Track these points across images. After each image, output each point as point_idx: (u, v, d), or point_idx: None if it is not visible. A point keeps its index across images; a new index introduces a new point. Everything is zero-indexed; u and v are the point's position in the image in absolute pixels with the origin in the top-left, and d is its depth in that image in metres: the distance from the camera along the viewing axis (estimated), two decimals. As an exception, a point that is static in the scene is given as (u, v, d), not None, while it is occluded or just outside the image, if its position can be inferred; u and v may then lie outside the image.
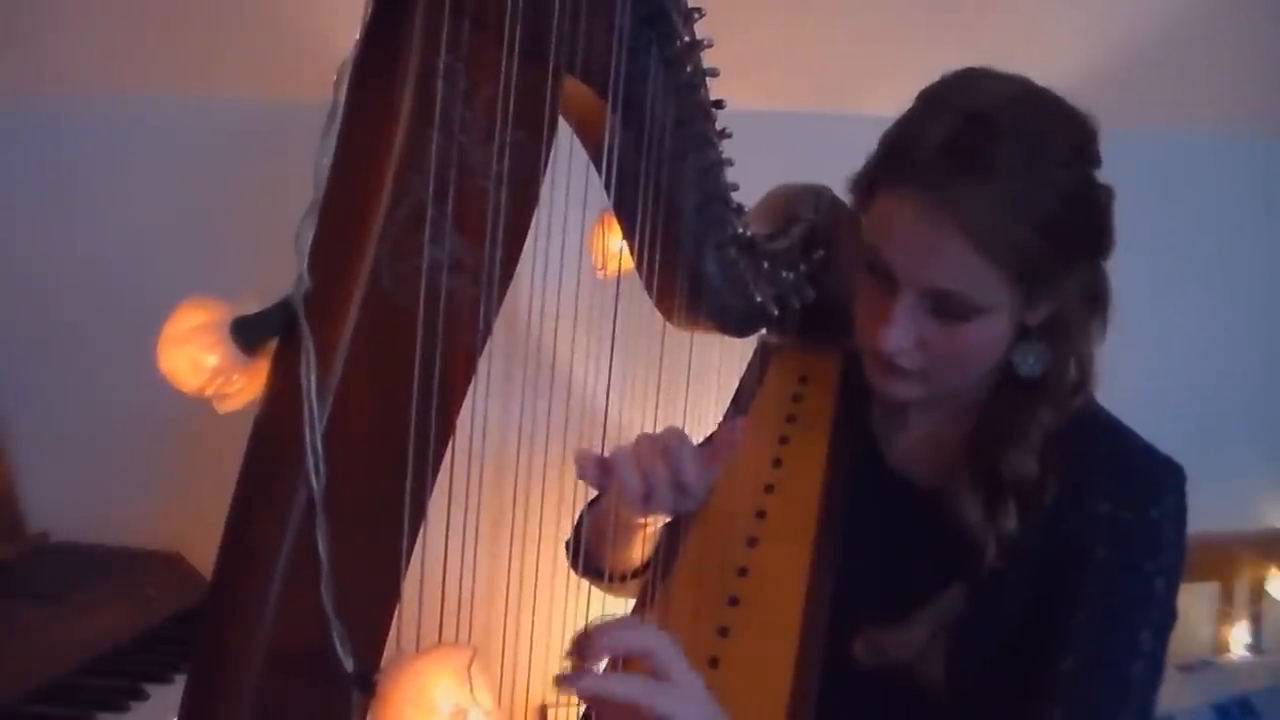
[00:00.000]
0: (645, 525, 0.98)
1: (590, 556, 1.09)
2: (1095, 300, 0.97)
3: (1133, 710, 0.89)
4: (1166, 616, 0.92)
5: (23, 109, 1.85)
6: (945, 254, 0.88)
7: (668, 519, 0.98)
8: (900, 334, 0.91)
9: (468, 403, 0.70)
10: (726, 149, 0.95)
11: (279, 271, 0.67)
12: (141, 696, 1.45)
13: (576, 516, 1.14)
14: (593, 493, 1.08)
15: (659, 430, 0.94)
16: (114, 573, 1.73)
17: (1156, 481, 0.94)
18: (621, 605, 1.08)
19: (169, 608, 1.69)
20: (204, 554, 1.76)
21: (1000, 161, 0.87)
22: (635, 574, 1.08)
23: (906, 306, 0.91)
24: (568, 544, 1.12)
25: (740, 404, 1.17)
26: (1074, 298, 0.95)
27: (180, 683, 1.48)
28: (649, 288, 0.97)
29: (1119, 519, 0.92)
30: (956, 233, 0.86)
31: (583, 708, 0.97)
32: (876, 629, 0.97)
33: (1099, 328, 0.97)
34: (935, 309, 0.91)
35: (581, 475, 0.91)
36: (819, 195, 1.16)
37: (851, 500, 1.05)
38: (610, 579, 1.06)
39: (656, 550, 1.05)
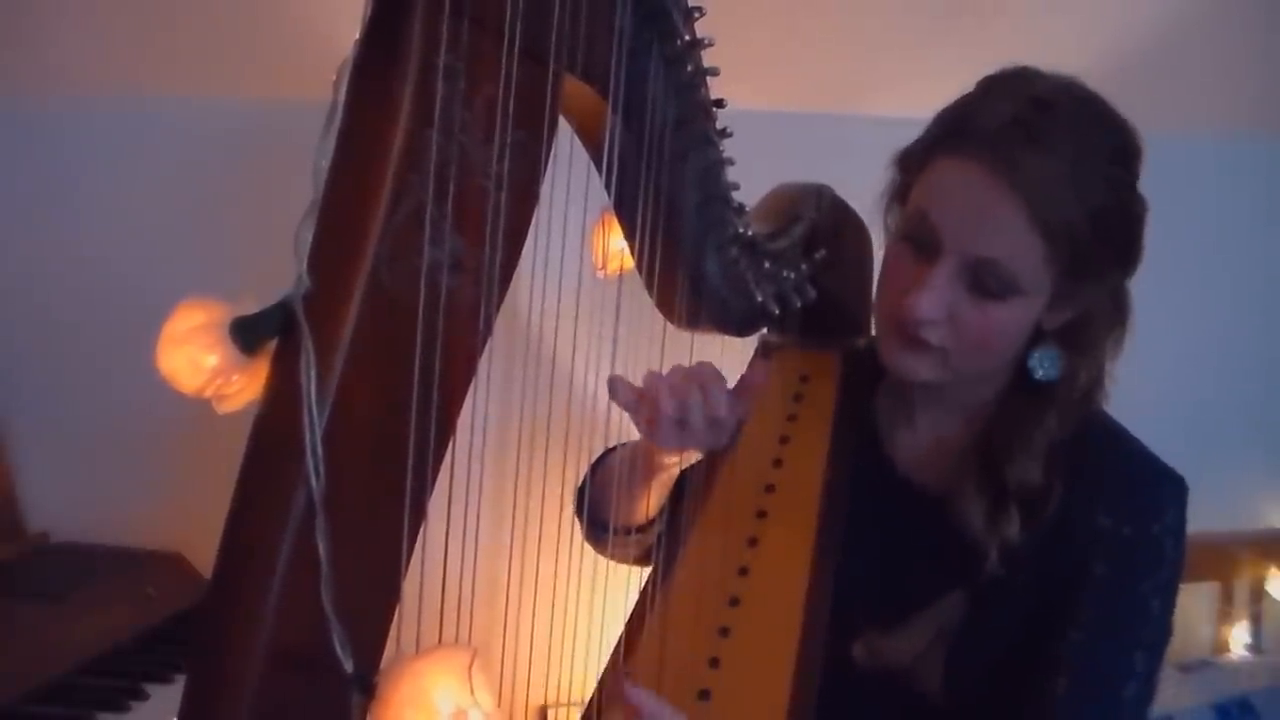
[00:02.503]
0: (669, 466, 1.00)
1: (595, 510, 1.09)
2: (1118, 314, 0.97)
3: None
4: (1161, 635, 0.93)
5: (23, 109, 1.85)
6: (1000, 219, 0.88)
7: (698, 456, 0.99)
8: (934, 301, 0.90)
9: (468, 403, 0.70)
10: (727, 148, 0.95)
11: (279, 272, 0.67)
12: (141, 696, 1.45)
13: (581, 477, 1.15)
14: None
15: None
16: (114, 573, 1.72)
17: (1159, 495, 0.94)
18: (623, 588, 1.08)
19: (169, 608, 1.68)
20: (204, 554, 1.76)
21: (1063, 141, 0.88)
22: (638, 529, 1.08)
23: (946, 274, 0.90)
24: (578, 490, 1.13)
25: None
26: (1097, 307, 0.95)
27: (180, 683, 1.49)
28: (649, 287, 0.97)
29: (1120, 535, 0.92)
30: (1015, 198, 0.87)
31: (582, 709, 0.97)
32: (875, 633, 0.97)
33: (1116, 343, 0.97)
34: (973, 283, 0.90)
35: (614, 397, 0.92)
36: (820, 194, 1.15)
37: (853, 501, 1.04)
38: (614, 531, 1.07)
39: (660, 514, 1.05)
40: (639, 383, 0.94)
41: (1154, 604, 0.92)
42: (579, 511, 1.13)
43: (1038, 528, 0.93)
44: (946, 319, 0.92)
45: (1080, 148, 0.88)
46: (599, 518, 1.10)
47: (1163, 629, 0.93)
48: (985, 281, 0.90)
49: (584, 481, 1.14)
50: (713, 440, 0.95)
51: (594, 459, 1.15)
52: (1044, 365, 0.95)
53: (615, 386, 0.91)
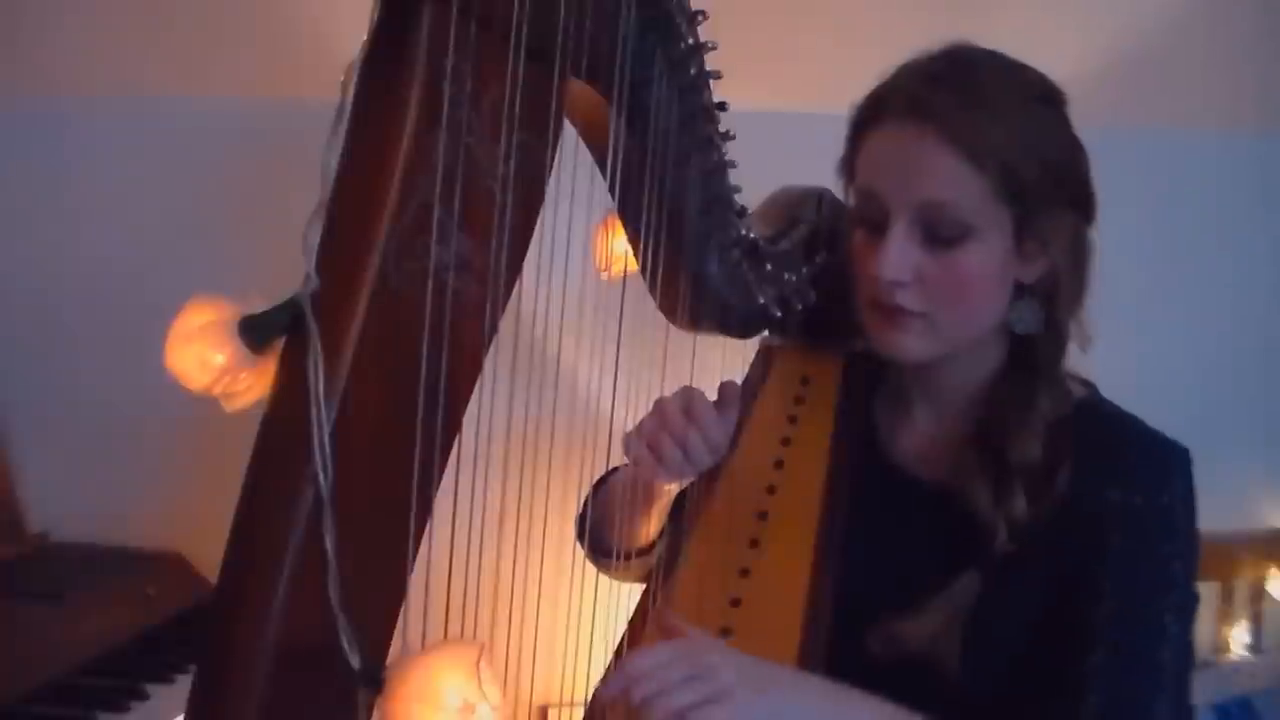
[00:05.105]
0: (668, 493, 1.02)
1: (597, 536, 1.10)
2: (1080, 262, 0.97)
3: (1169, 695, 0.89)
4: (1188, 599, 0.93)
5: (23, 109, 1.85)
6: (927, 159, 0.90)
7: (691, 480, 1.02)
8: (896, 259, 0.92)
9: (473, 402, 0.70)
10: (728, 150, 0.96)
11: (283, 271, 0.68)
12: (141, 696, 1.44)
13: (582, 500, 1.15)
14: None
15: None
16: (114, 573, 1.72)
17: (1164, 465, 0.95)
18: (625, 588, 1.09)
19: (169, 608, 1.68)
20: (204, 554, 1.77)
21: (978, 81, 0.91)
22: (640, 552, 1.09)
23: (900, 232, 0.92)
24: (578, 518, 1.14)
25: (742, 404, 1.18)
26: (1063, 256, 0.95)
27: (181, 683, 1.50)
28: (652, 289, 0.97)
29: (1131, 505, 0.92)
30: (935, 134, 0.89)
31: (584, 709, 0.97)
32: (891, 620, 0.97)
33: (1076, 291, 0.97)
34: (928, 235, 0.92)
35: (632, 457, 0.96)
36: (821, 198, 1.16)
37: (859, 500, 1.05)
38: (616, 556, 1.07)
39: (660, 535, 1.06)
40: (641, 385, 0.95)
41: (1176, 568, 0.92)
42: (580, 537, 1.14)
43: (1046, 509, 0.93)
44: (915, 279, 0.93)
45: (997, 85, 0.91)
46: (601, 543, 1.11)
47: (1189, 593, 0.93)
48: (938, 229, 0.91)
49: (584, 507, 1.15)
50: (709, 464, 0.98)
51: (595, 480, 1.16)
52: (1022, 317, 0.96)
53: (631, 450, 0.96)
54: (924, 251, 0.92)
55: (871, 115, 0.95)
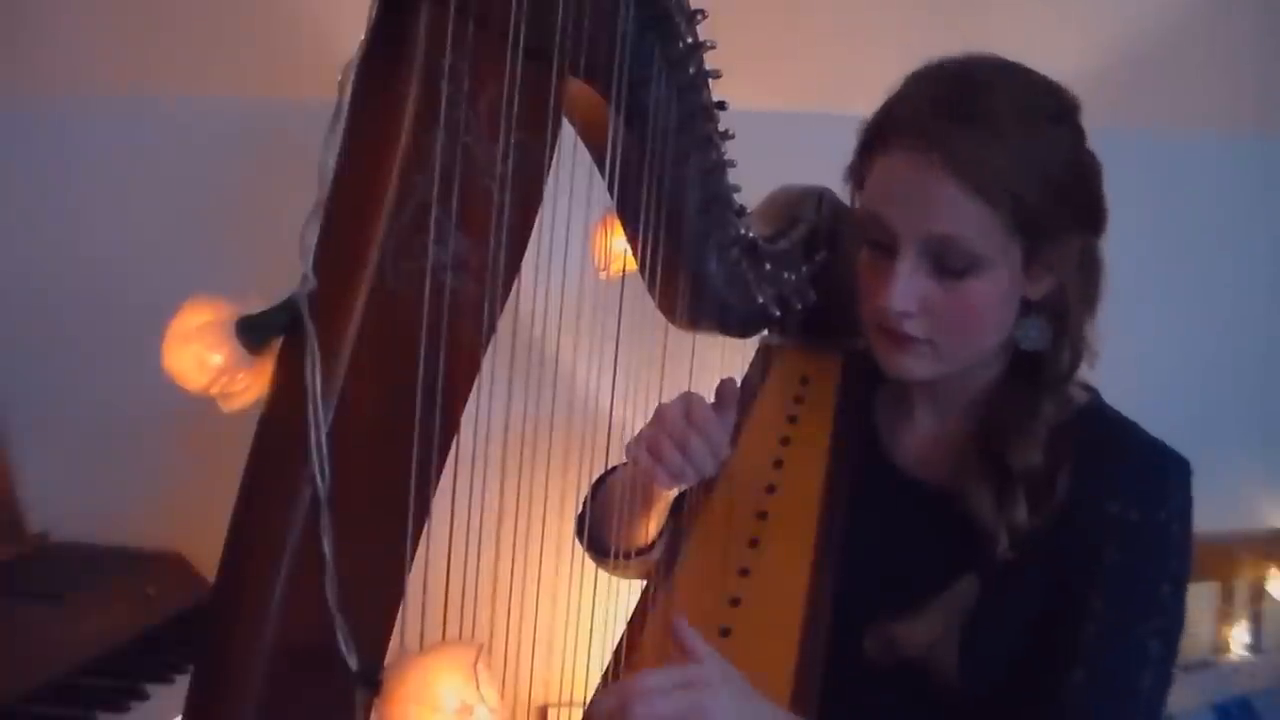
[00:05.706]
0: (668, 495, 1.02)
1: (597, 536, 1.10)
2: (1088, 277, 0.98)
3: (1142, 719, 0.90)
4: (1174, 622, 0.93)
5: (23, 108, 1.85)
6: (937, 195, 0.89)
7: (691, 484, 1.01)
8: (904, 291, 0.91)
9: (471, 401, 0.70)
10: (727, 149, 0.96)
11: (281, 271, 0.68)
12: (141, 696, 1.44)
13: (582, 500, 1.15)
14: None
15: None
16: (114, 573, 1.72)
17: (1163, 478, 0.95)
18: (625, 588, 1.08)
19: (169, 608, 1.68)
20: (204, 554, 1.77)
21: (988, 109, 0.89)
22: (640, 552, 1.09)
23: (908, 263, 0.91)
24: (578, 517, 1.14)
25: (742, 404, 1.18)
26: (1072, 272, 0.95)
27: (181, 683, 1.50)
28: (651, 288, 0.97)
29: (1127, 521, 0.92)
30: (947, 173, 0.88)
31: (583, 709, 0.97)
32: (890, 621, 0.97)
33: (1089, 307, 0.98)
34: (936, 265, 0.91)
35: (631, 458, 0.96)
36: (820, 197, 1.16)
37: (859, 501, 1.05)
38: (615, 555, 1.07)
39: (660, 534, 1.06)
40: (640, 385, 0.95)
41: (1164, 589, 0.92)
42: (580, 535, 1.14)
43: (1046, 516, 0.93)
44: (921, 309, 0.92)
45: (1009, 111, 0.89)
46: (600, 542, 1.11)
47: (1175, 615, 0.93)
48: (947, 261, 0.90)
49: (584, 506, 1.15)
50: (712, 464, 0.97)
51: (594, 479, 1.16)
52: (1030, 336, 0.96)
53: (636, 460, 0.96)
54: (932, 281, 0.92)
55: (882, 136, 0.94)
